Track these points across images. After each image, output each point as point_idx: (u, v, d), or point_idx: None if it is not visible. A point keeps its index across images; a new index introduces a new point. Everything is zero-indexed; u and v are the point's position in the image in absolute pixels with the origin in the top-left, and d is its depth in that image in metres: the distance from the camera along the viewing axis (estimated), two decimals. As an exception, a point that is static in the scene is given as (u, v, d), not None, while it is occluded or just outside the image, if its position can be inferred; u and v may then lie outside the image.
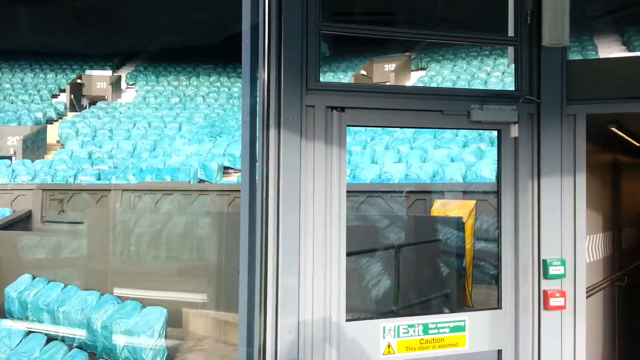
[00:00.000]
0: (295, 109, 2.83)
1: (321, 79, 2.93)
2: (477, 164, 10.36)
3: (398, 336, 2.85)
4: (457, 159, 11.23)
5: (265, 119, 2.75)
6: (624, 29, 20.86)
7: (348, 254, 6.15)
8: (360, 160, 12.43)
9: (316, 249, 2.82)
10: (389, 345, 2.82)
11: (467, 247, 6.36)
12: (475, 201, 6.93)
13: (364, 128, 15.81)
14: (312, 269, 2.80)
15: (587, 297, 3.84)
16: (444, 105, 3.16)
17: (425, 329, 2.90)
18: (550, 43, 3.11)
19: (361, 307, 5.87)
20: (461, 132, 13.01)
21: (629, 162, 5.81)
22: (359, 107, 3.01)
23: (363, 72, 24.76)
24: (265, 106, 2.75)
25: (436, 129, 13.52)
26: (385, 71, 24.26)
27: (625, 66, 3.22)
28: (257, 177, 2.77)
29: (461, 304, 5.96)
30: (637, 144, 5.31)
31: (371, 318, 2.86)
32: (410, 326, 2.88)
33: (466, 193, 8.29)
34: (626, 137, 4.78)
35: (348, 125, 2.99)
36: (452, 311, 5.64)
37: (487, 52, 24.11)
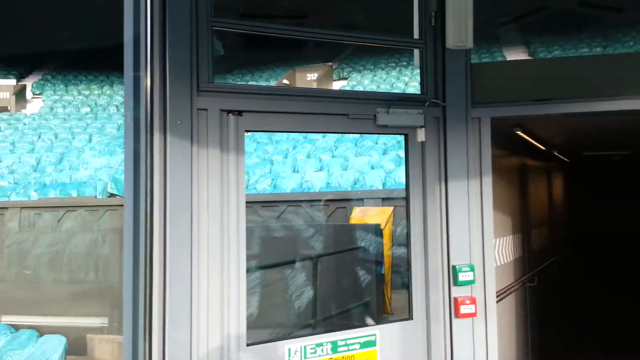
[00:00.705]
0: (184, 113, 2.55)
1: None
2: (395, 170, 10.47)
3: (305, 357, 2.63)
4: (377, 166, 11.31)
5: (149, 124, 2.45)
6: (530, 39, 22.24)
7: (263, 267, 5.87)
8: (282, 169, 12.21)
9: (212, 266, 2.55)
10: (295, 368, 2.60)
11: (386, 253, 6.32)
12: (393, 207, 6.93)
13: (285, 136, 15.67)
14: (206, 289, 2.52)
15: (499, 300, 3.83)
16: (349, 109, 3.01)
17: (335, 347, 2.71)
18: (454, 45, 3.05)
19: (282, 322, 5.63)
20: (381, 140, 13.18)
21: (535, 165, 6.02)
22: (258, 111, 2.79)
23: (285, 81, 24.68)
24: (149, 110, 2.45)
25: (359, 136, 13.67)
26: (308, 80, 24.34)
27: (528, 69, 3.25)
28: (141, 190, 2.46)
29: (381, 312, 5.88)
30: (542, 147, 5.50)
31: (275, 339, 2.61)
32: (318, 345, 2.68)
33: (385, 200, 8.29)
34: (531, 140, 4.91)
35: (247, 131, 2.76)
36: (373, 319, 5.54)
37: (404, 63, 24.89)
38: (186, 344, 2.44)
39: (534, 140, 4.97)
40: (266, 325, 5.46)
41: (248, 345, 2.54)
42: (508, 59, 21.29)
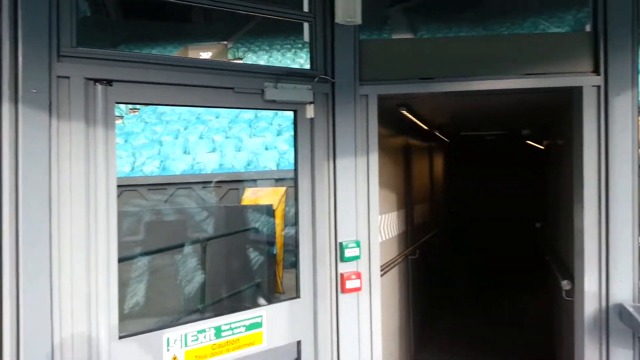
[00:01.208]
0: (41, 80, 2.24)
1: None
2: (289, 151, 10.46)
3: (186, 345, 2.48)
4: (271, 147, 11.22)
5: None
6: (415, 20, 23.23)
7: (150, 253, 5.53)
8: (172, 150, 11.66)
9: (76, 256, 2.28)
10: (174, 358, 2.43)
11: (279, 233, 6.28)
12: (286, 187, 6.89)
13: (176, 117, 14.99)
14: (70, 282, 2.26)
15: (384, 273, 3.95)
16: (235, 82, 2.85)
17: (218, 332, 2.59)
18: (343, 20, 3.00)
19: (170, 310, 5.37)
20: (276, 121, 13.08)
21: (418, 144, 6.29)
22: (131, 81, 2.53)
23: (176, 59, 23.59)
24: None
25: (253, 117, 13.44)
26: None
27: (413, 48, 3.29)
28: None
29: (273, 292, 5.84)
30: (425, 127, 5.74)
31: (152, 329, 2.42)
32: (201, 332, 2.54)
33: (278, 180, 8.25)
34: (415, 119, 5.09)
35: (117, 102, 2.50)
36: (265, 300, 5.48)
37: (300, 45, 24.92)
38: (46, 341, 2.18)
39: (418, 120, 5.17)
40: (152, 314, 5.18)
41: (121, 337, 2.33)
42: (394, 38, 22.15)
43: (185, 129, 13.46)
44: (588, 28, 3.18)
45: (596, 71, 2.95)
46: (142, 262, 5.31)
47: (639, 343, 2.81)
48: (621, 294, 2.86)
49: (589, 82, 2.94)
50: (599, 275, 2.92)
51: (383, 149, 4.22)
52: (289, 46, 25.32)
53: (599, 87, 2.92)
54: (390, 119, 4.56)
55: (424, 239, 6.04)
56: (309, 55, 3.43)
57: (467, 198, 10.43)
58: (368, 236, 3.10)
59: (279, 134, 12.34)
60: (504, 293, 8.17)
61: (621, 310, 2.80)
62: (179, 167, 10.35)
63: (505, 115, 5.39)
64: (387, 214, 4.36)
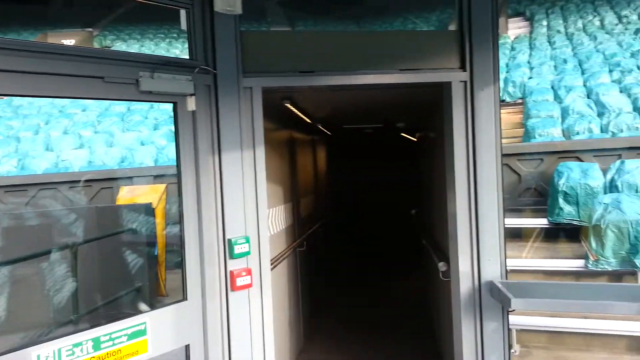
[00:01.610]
0: None
1: None
2: (168, 146, 9.97)
3: (59, 362, 2.23)
4: (147, 143, 10.60)
5: None
6: (294, 14, 23.47)
7: (9, 262, 4.92)
8: (32, 147, 10.50)
9: None
10: (46, 378, 2.17)
11: (160, 233, 5.95)
12: (166, 184, 6.54)
13: (35, 110, 13.53)
14: None
15: (273, 268, 3.92)
16: (105, 71, 2.61)
17: (97, 344, 2.36)
18: (222, 9, 2.90)
19: (38, 323, 4.83)
20: (151, 115, 12.38)
21: (302, 137, 6.35)
22: (-21, 67, 2.19)
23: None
24: None
25: (126, 110, 12.58)
26: (63, 47, 21.45)
27: (295, 41, 3.28)
28: None
29: (156, 296, 5.53)
30: (308, 120, 5.80)
31: (18, 348, 2.13)
32: (77, 345, 2.30)
33: (157, 177, 7.81)
34: (299, 113, 5.12)
35: (-38, 91, 2.15)
36: (146, 304, 5.16)
37: (175, 34, 23.88)
38: None
39: (301, 113, 5.20)
40: (16, 330, 4.63)
41: (-22, 361, 2.02)
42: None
43: (47, 123, 12.22)
44: (452, 27, 3.40)
45: (463, 67, 3.17)
46: (1, 273, 4.71)
47: (506, 315, 3.10)
48: (491, 272, 3.13)
49: (457, 78, 3.16)
50: (471, 256, 3.17)
51: (269, 142, 4.17)
52: (163, 35, 24.16)
53: (465, 82, 3.15)
54: (274, 112, 4.53)
55: (311, 230, 6.13)
56: (185, 45, 3.26)
57: (351, 188, 10.81)
58: (257, 231, 3.04)
59: (156, 128, 11.70)
60: (388, 277, 8.63)
61: (491, 286, 3.07)
62: (40, 165, 9.35)
63: (383, 109, 5.64)
64: (274, 208, 4.34)
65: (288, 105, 4.47)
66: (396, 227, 10.45)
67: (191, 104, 2.95)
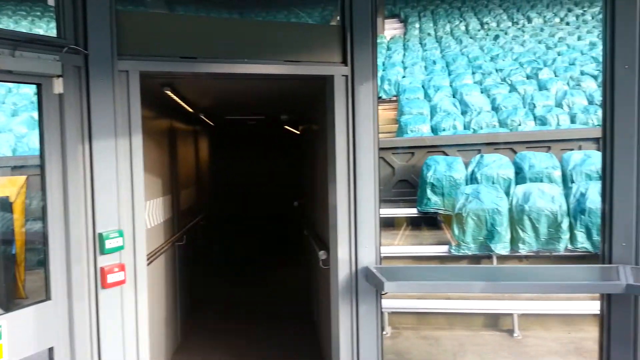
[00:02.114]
0: None
1: None
2: (30, 134, 9.03)
3: None
4: (4, 130, 9.49)
5: None
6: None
7: None
8: None
9: None
10: None
11: (18, 230, 5.36)
12: (27, 176, 5.92)
13: None
14: None
15: (150, 263, 3.75)
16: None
17: (-60, 354, 2.08)
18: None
19: None
20: (9, 100, 11.10)
21: (184, 127, 6.13)
22: None
23: None
24: None
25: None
26: None
27: (178, 25, 3.14)
28: None
29: (14, 298, 4.99)
30: (190, 110, 5.61)
31: None
32: None
33: (16, 168, 7.04)
34: (180, 101, 4.93)
35: None
36: (2, 307, 4.64)
37: (39, 12, 21.65)
38: None
39: (183, 102, 5.02)
40: None
41: None
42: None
43: None
44: (334, 23, 3.51)
45: (344, 62, 3.28)
46: None
47: (380, 298, 3.29)
48: (367, 258, 3.30)
49: (339, 72, 3.27)
50: (350, 244, 3.31)
51: (147, 131, 3.98)
52: (25, 13, 21.75)
53: (347, 76, 3.27)
54: (154, 99, 4.32)
55: (192, 223, 5.95)
56: (50, 25, 2.98)
57: (235, 180, 10.67)
58: (133, 224, 2.88)
59: (14, 114, 10.52)
60: (271, 268, 8.68)
61: (367, 272, 3.23)
62: None
63: (267, 101, 5.64)
64: (152, 200, 4.14)
65: (168, 92, 4.28)
66: (281, 219, 10.56)
67: (58, 86, 2.70)
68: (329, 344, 3.71)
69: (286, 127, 8.72)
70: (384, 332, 5.33)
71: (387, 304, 5.40)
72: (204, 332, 5.67)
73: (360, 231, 3.32)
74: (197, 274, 6.56)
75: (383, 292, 3.21)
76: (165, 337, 4.59)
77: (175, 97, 4.60)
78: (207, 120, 7.38)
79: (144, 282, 2.95)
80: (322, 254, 3.86)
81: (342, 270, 3.32)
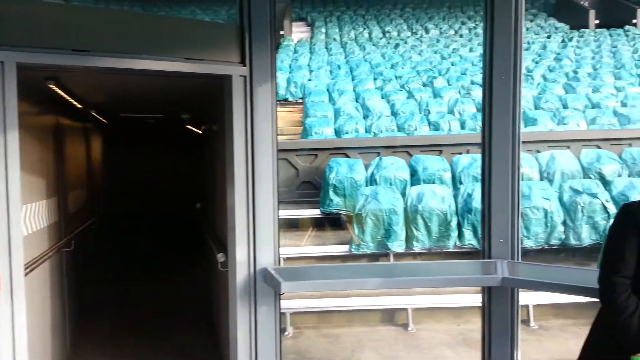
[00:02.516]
0: None
1: None
2: None
3: None
4: None
5: None
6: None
7: None
8: None
9: None
10: None
11: None
12: None
13: None
14: None
15: (30, 271, 3.47)
16: None
17: None
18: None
19: None
20: None
21: (72, 125, 5.73)
22: None
23: None
24: None
25: None
26: None
27: (64, 13, 2.92)
28: None
29: None
30: (80, 106, 5.26)
31: None
32: None
33: None
34: (68, 97, 4.60)
35: None
36: None
37: None
38: None
39: (71, 97, 4.69)
40: None
41: None
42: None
43: None
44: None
45: (243, 62, 3.25)
46: None
47: (278, 299, 3.31)
48: (265, 259, 3.29)
49: (237, 72, 3.23)
50: (248, 245, 3.29)
51: (27, 127, 3.68)
52: None
53: (245, 77, 3.24)
54: (36, 93, 4.00)
55: (83, 227, 5.58)
56: None
57: (134, 181, 10.16)
58: (8, 231, 2.64)
59: None
60: (171, 272, 8.38)
61: (265, 273, 3.23)
62: None
63: (165, 99, 5.45)
64: (33, 203, 3.82)
65: (53, 86, 3.98)
66: (184, 220, 10.24)
67: None
68: (227, 347, 3.66)
69: (188, 126, 8.48)
70: (286, 333, 5.37)
71: (289, 304, 5.45)
72: (97, 340, 5.34)
73: (258, 233, 3.31)
74: (90, 279, 6.16)
75: (280, 293, 3.23)
76: (52, 348, 4.26)
77: (61, 92, 4.29)
78: (100, 117, 6.96)
79: (21, 292, 2.71)
80: (220, 257, 3.80)
81: (241, 272, 3.29)
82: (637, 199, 2.28)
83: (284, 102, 12.83)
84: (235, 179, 3.25)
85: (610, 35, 18.03)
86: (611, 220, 2.47)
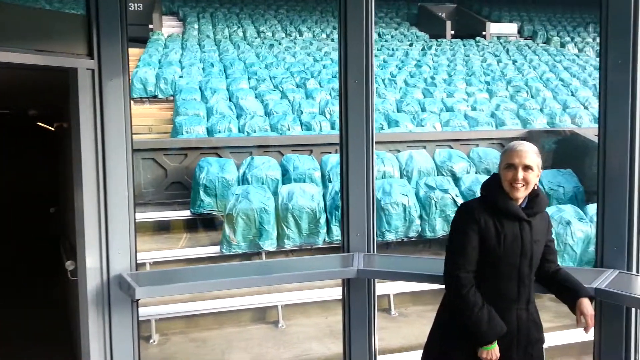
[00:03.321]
0: None
1: None
2: None
3: None
4: None
5: None
6: None
7: None
8: None
9: None
10: None
11: None
12: None
13: None
14: None
15: None
16: None
17: None
18: None
19: None
20: None
21: None
22: None
23: None
24: None
25: None
26: None
27: None
28: None
29: None
30: None
31: None
32: None
33: None
34: None
35: None
36: None
37: None
38: None
39: None
40: None
41: None
42: None
43: None
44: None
45: (90, 55, 3.04)
46: None
47: (136, 306, 3.14)
48: (120, 265, 3.11)
49: (84, 65, 3.01)
50: (100, 251, 3.08)
51: None
52: None
53: (93, 70, 3.04)
54: None
55: None
56: None
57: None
58: None
59: None
60: (25, 280, 7.55)
61: (120, 280, 3.05)
62: None
63: (9, 93, 4.90)
64: None
65: None
66: (36, 225, 9.29)
67: None
68: (80, 362, 3.40)
69: (40, 123, 7.74)
70: (151, 341, 5.13)
71: (154, 310, 5.22)
72: None
73: (112, 237, 3.12)
74: None
75: (135, 299, 3.07)
76: None
77: None
78: None
79: None
80: (69, 264, 3.52)
81: (92, 280, 3.07)
82: (475, 197, 2.50)
83: (154, 99, 12.28)
84: (84, 180, 3.03)
85: (464, 45, 19.92)
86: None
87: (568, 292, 2.39)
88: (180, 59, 14.76)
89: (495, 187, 2.34)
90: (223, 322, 5.51)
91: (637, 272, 2.89)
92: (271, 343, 5.10)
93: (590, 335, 2.91)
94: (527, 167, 2.28)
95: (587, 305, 2.32)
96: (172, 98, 11.82)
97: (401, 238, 6.87)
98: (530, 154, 2.30)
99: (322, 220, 6.61)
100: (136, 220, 3.23)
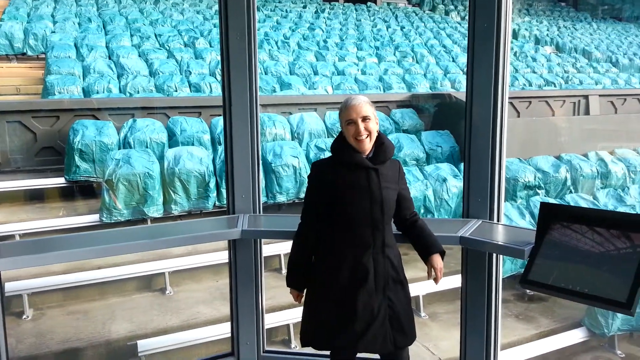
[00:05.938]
0: None
1: None
2: None
3: None
4: None
5: None
6: None
7: None
8: None
9: None
10: None
11: None
12: None
13: None
14: None
15: None
16: None
17: None
18: None
19: None
20: None
21: None
22: None
23: None
24: None
25: None
26: None
27: None
28: None
29: None
30: None
31: None
32: None
33: None
34: None
35: None
36: None
37: None
38: None
39: None
40: None
41: None
42: None
43: None
44: None
45: None
46: None
47: (-5, 280, 2.86)
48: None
49: None
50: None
51: None
52: None
53: None
54: None
55: None
56: None
57: None
58: None
59: None
60: None
61: (-26, 253, 2.75)
62: None
63: None
64: None
65: None
66: None
67: None
68: None
69: None
70: (24, 316, 4.75)
71: (27, 284, 4.82)
72: None
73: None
74: None
75: (-6, 272, 2.79)
76: None
77: None
78: None
79: None
80: None
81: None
82: (326, 156, 2.59)
83: (22, 56, 11.05)
84: None
85: (356, 10, 20.18)
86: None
87: (421, 246, 2.58)
88: (53, 12, 13.33)
89: (341, 144, 2.48)
90: (106, 292, 5.24)
91: (498, 221, 3.18)
92: (157, 310, 4.97)
93: (458, 282, 3.20)
94: (365, 118, 2.41)
95: (437, 260, 2.52)
96: (43, 56, 10.70)
97: (292, 199, 6.94)
98: (364, 105, 2.43)
99: (212, 184, 6.46)
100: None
